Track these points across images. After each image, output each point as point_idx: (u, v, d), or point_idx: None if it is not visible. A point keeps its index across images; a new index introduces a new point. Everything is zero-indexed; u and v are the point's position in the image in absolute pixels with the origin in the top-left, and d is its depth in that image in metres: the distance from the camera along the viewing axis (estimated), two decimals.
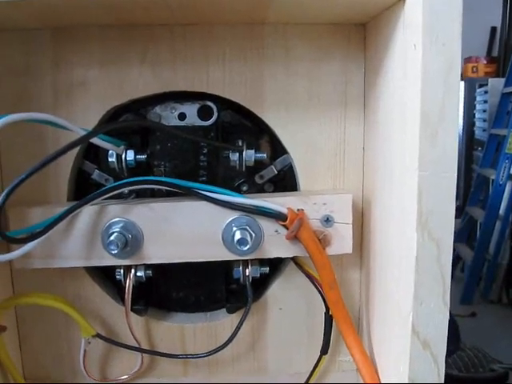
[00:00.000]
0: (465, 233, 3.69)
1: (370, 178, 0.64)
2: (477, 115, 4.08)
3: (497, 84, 3.66)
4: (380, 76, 0.58)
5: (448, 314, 0.50)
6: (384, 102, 0.57)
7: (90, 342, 0.64)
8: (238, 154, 0.64)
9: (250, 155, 0.63)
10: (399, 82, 0.52)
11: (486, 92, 3.87)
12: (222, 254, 0.61)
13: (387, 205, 0.57)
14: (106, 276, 0.69)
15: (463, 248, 3.56)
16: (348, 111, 0.64)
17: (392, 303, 0.56)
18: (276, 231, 0.60)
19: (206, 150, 0.67)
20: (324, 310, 0.64)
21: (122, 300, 0.65)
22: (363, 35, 0.63)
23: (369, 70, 0.63)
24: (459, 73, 0.46)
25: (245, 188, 0.67)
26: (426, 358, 0.50)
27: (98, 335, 0.64)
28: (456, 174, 0.47)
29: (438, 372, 0.51)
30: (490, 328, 2.87)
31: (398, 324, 0.53)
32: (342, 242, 0.61)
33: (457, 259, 3.59)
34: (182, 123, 0.66)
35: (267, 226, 0.60)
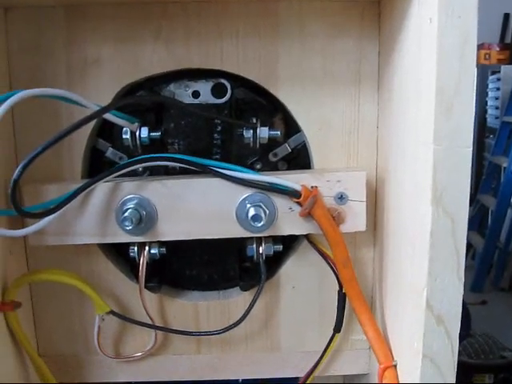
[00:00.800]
0: (476, 220, 3.68)
1: (384, 156, 0.63)
2: (489, 103, 4.06)
3: (510, 71, 3.64)
4: (394, 53, 0.58)
5: (462, 289, 0.50)
6: (399, 79, 0.57)
7: (103, 319, 0.65)
8: (251, 131, 0.63)
9: (263, 132, 0.63)
10: (414, 57, 0.52)
11: (498, 79, 3.85)
12: (236, 231, 0.61)
13: (401, 181, 0.57)
14: (119, 253, 0.69)
15: (474, 236, 3.56)
16: (362, 89, 0.64)
17: (406, 280, 0.56)
18: (290, 208, 0.60)
19: (219, 128, 0.67)
20: (337, 288, 0.64)
21: (135, 277, 0.66)
22: (378, 12, 0.62)
23: (383, 47, 0.62)
24: (475, 46, 0.46)
25: (258, 166, 0.67)
26: (440, 333, 0.50)
27: (112, 312, 0.65)
28: (471, 148, 0.47)
29: (452, 348, 0.50)
30: (500, 316, 2.87)
31: (412, 300, 0.53)
32: (355, 219, 0.61)
33: (468, 247, 3.58)
34: (196, 101, 0.66)
35: (281, 203, 0.60)
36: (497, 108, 3.87)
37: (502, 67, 3.85)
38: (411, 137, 0.53)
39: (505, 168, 3.29)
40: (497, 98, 3.86)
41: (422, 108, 0.49)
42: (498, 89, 3.85)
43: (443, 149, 0.47)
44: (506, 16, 4.54)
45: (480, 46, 4.31)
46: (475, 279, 3.26)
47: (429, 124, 0.47)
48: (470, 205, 3.68)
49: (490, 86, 4.03)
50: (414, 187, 0.52)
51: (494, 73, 3.98)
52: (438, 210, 0.48)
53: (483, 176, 3.75)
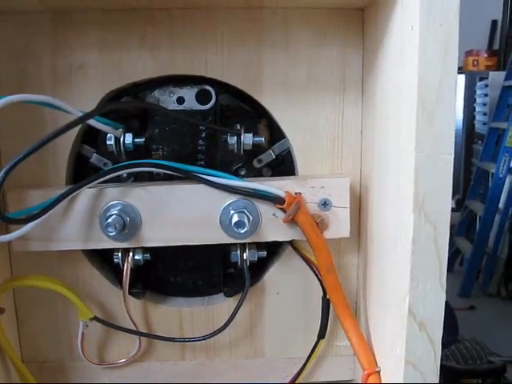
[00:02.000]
0: (464, 226, 3.69)
1: (368, 162, 0.64)
2: (477, 109, 4.08)
3: (497, 77, 3.66)
4: (378, 59, 0.58)
5: (444, 295, 0.50)
6: (382, 85, 0.57)
7: (87, 325, 0.65)
8: (235, 137, 0.64)
9: (248, 139, 0.63)
10: (396, 64, 0.52)
11: (486, 85, 3.87)
12: (220, 237, 0.61)
13: (384, 187, 0.58)
14: (103, 260, 0.69)
15: (462, 241, 3.57)
16: (346, 95, 0.64)
17: (389, 286, 0.56)
18: (274, 215, 0.60)
19: (204, 134, 0.67)
20: (321, 295, 0.64)
21: (120, 284, 0.65)
22: (362, 19, 0.63)
23: (367, 54, 0.63)
24: (456, 54, 0.46)
25: (243, 172, 0.68)
26: (423, 339, 0.50)
27: (96, 318, 0.65)
28: (453, 156, 0.47)
29: (435, 354, 0.51)
30: (488, 321, 2.88)
31: (395, 306, 0.53)
32: (339, 225, 0.62)
33: (456, 252, 3.60)
34: (181, 107, 0.66)
35: (265, 209, 0.60)
36: (485, 114, 3.89)
37: (490, 73, 3.88)
38: (394, 143, 0.53)
39: (493, 174, 3.30)
40: (485, 104, 3.89)
41: (404, 115, 0.50)
42: (485, 95, 3.88)
43: (425, 156, 0.47)
44: (494, 23, 4.58)
45: (468, 53, 4.35)
46: (463, 284, 3.27)
47: (411, 131, 0.47)
48: (458, 210, 3.71)
49: (478, 92, 4.05)
50: (397, 194, 0.52)
51: (481, 79, 4.01)
52: (419, 217, 0.48)
53: (471, 182, 3.76)
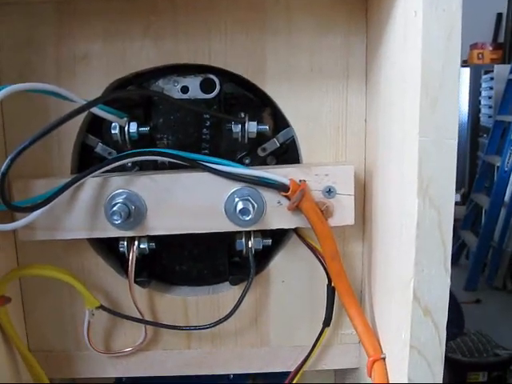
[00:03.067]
0: (470, 219, 3.69)
1: (372, 150, 0.64)
2: (482, 102, 4.07)
3: (502, 70, 3.65)
4: (381, 47, 0.58)
5: (449, 280, 0.50)
6: (385, 73, 0.57)
7: (93, 314, 0.65)
8: (240, 125, 0.64)
9: (252, 127, 0.63)
10: (400, 50, 0.52)
11: (491, 78, 3.86)
12: (225, 225, 0.61)
13: (388, 174, 0.58)
14: (109, 249, 0.69)
15: (468, 235, 3.57)
16: (350, 83, 0.64)
17: (394, 272, 0.56)
18: (278, 202, 0.61)
19: (208, 123, 0.67)
20: (327, 282, 0.64)
21: (125, 272, 0.66)
22: (365, 7, 0.63)
23: (370, 42, 0.63)
24: (459, 39, 0.46)
25: (247, 161, 0.68)
26: (427, 324, 0.50)
27: (102, 307, 0.65)
28: (457, 141, 0.47)
29: (439, 339, 0.51)
30: (494, 314, 2.88)
31: (400, 292, 0.53)
32: (343, 213, 0.62)
33: (462, 246, 3.60)
34: (185, 96, 0.66)
35: (269, 197, 0.60)
36: (490, 107, 3.88)
37: (495, 66, 3.87)
38: (398, 129, 0.53)
39: (498, 167, 3.30)
40: (490, 97, 3.88)
41: (407, 101, 0.50)
42: (491, 88, 3.87)
43: (429, 140, 0.47)
44: (499, 16, 4.56)
45: (473, 46, 4.34)
46: (469, 278, 3.27)
47: (414, 116, 0.47)
48: (464, 204, 3.70)
49: (484, 85, 4.04)
50: (401, 179, 0.52)
51: (487, 72, 3.99)
52: (424, 201, 0.48)
53: (477, 175, 3.76)
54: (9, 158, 0.48)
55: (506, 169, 3.20)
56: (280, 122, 0.67)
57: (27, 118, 0.63)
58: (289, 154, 0.68)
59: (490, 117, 3.87)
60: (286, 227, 0.63)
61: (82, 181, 0.59)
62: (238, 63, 0.63)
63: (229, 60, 0.63)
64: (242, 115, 0.65)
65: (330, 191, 0.61)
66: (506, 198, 3.23)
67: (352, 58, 0.64)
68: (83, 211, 0.60)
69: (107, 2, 0.62)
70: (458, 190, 4.10)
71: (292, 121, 0.65)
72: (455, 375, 2.03)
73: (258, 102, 0.67)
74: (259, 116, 0.67)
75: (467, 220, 3.68)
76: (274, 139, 0.67)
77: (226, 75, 0.65)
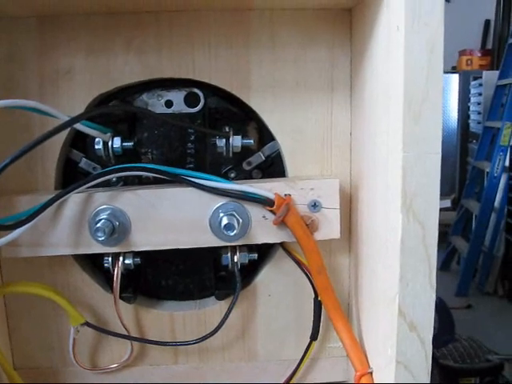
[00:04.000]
0: (460, 225, 3.70)
1: (357, 163, 0.64)
2: (471, 108, 4.09)
3: (491, 76, 3.66)
4: (365, 60, 0.58)
5: (434, 295, 0.50)
6: (369, 86, 0.57)
7: (79, 331, 0.64)
8: (224, 140, 0.64)
9: (236, 141, 0.63)
10: (383, 64, 0.52)
11: (480, 85, 3.88)
12: (210, 240, 0.61)
13: (373, 188, 0.58)
14: (94, 265, 0.69)
15: (459, 240, 3.58)
16: (335, 96, 0.64)
17: (379, 286, 0.56)
18: (263, 217, 0.60)
19: (193, 137, 0.67)
20: (313, 296, 0.64)
21: (110, 288, 0.65)
22: (349, 20, 0.63)
23: (355, 55, 0.63)
24: (442, 53, 0.46)
25: (232, 175, 0.67)
26: (413, 339, 0.50)
27: (87, 323, 0.64)
28: (440, 155, 0.47)
29: (426, 354, 0.51)
30: (485, 320, 2.88)
31: (385, 307, 0.53)
32: (329, 226, 0.61)
33: (452, 252, 3.61)
34: (169, 110, 0.66)
35: (255, 211, 0.60)
36: (479, 113, 3.90)
37: (484, 73, 3.89)
38: (382, 144, 0.53)
39: (488, 172, 3.31)
40: (479, 104, 3.90)
41: (391, 115, 0.50)
42: (480, 94, 3.89)
43: (412, 156, 0.47)
44: (487, 22, 4.59)
45: (462, 52, 4.36)
46: (460, 283, 3.28)
47: (398, 131, 0.47)
48: (454, 209, 3.72)
49: (472, 91, 4.06)
50: (385, 194, 0.52)
51: (475, 78, 4.02)
52: (408, 216, 0.48)
53: (467, 181, 3.77)
54: None
55: (496, 174, 3.21)
56: (265, 135, 0.67)
57: (10, 133, 0.63)
58: (274, 167, 0.68)
59: (479, 123, 3.89)
60: (271, 242, 0.62)
61: (65, 197, 0.58)
62: (222, 77, 0.63)
63: (213, 74, 0.63)
64: (227, 129, 0.65)
65: (315, 205, 0.60)
66: (496, 203, 3.25)
67: (336, 71, 0.64)
68: (67, 227, 0.60)
69: (90, 17, 0.62)
70: (448, 195, 4.11)
71: (277, 134, 0.65)
72: (447, 381, 2.03)
73: (243, 116, 0.66)
74: (244, 130, 0.67)
75: (457, 225, 3.70)
76: (260, 153, 0.67)
77: (210, 89, 0.65)
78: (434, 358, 1.97)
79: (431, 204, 0.48)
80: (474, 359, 2.09)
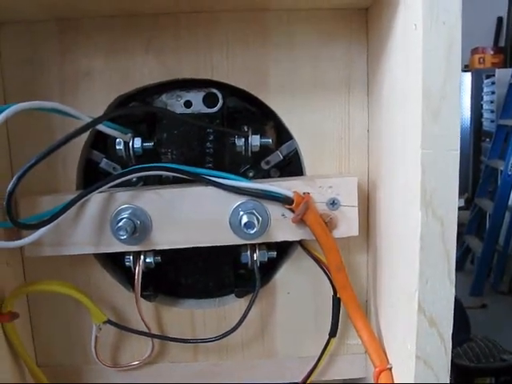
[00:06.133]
0: (474, 224, 3.68)
1: (375, 161, 0.64)
2: (484, 106, 4.07)
3: (504, 74, 3.64)
4: (383, 59, 0.58)
5: (454, 291, 0.50)
6: (387, 84, 0.58)
7: (100, 329, 0.65)
8: (243, 139, 0.64)
9: (255, 140, 0.64)
10: (401, 63, 0.52)
11: (493, 83, 3.86)
12: (230, 239, 0.61)
13: (392, 185, 0.58)
14: (115, 263, 0.69)
15: (473, 240, 3.56)
16: (352, 95, 0.65)
17: (398, 283, 0.56)
18: (283, 215, 0.61)
19: (212, 137, 0.67)
20: (332, 294, 0.65)
21: (131, 286, 0.66)
22: (365, 19, 0.63)
23: (372, 54, 0.63)
24: (460, 51, 0.46)
25: (251, 174, 0.68)
26: (433, 335, 0.50)
27: (109, 321, 0.65)
28: (459, 151, 0.48)
29: (445, 349, 0.51)
30: (500, 319, 2.87)
31: (405, 303, 0.53)
32: (348, 224, 0.62)
33: (466, 251, 3.59)
34: (188, 111, 0.66)
35: (274, 209, 0.61)
36: (492, 111, 3.88)
37: (497, 71, 3.87)
38: (400, 141, 0.54)
39: (501, 171, 3.30)
40: (492, 102, 3.88)
41: (409, 113, 0.50)
42: (492, 92, 3.87)
43: (431, 153, 0.47)
44: (500, 20, 4.57)
45: (474, 50, 4.34)
46: (474, 283, 3.26)
47: (416, 128, 0.48)
48: (468, 208, 3.70)
49: (485, 89, 4.04)
50: (404, 191, 0.53)
51: (488, 76, 4.00)
52: (427, 213, 0.48)
53: (480, 180, 3.75)
54: (15, 176, 0.49)
55: (510, 173, 3.20)
56: (283, 134, 0.68)
57: (32, 135, 0.64)
58: (292, 166, 0.68)
59: (492, 121, 3.87)
60: (290, 239, 0.63)
61: (87, 197, 0.59)
62: (240, 77, 0.64)
63: (231, 74, 0.64)
64: (245, 129, 0.66)
65: (333, 203, 0.61)
66: (510, 201, 3.23)
67: (353, 69, 0.65)
68: (89, 227, 0.61)
69: (109, 19, 0.63)
70: (461, 194, 4.10)
71: (295, 133, 0.65)
72: (462, 381, 2.03)
73: (261, 116, 0.67)
74: (262, 129, 0.67)
75: (471, 225, 3.68)
76: (278, 152, 0.68)
77: (228, 89, 0.66)
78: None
79: (450, 200, 0.48)
80: (489, 359, 2.08)
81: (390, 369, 0.59)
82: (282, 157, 0.68)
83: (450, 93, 0.47)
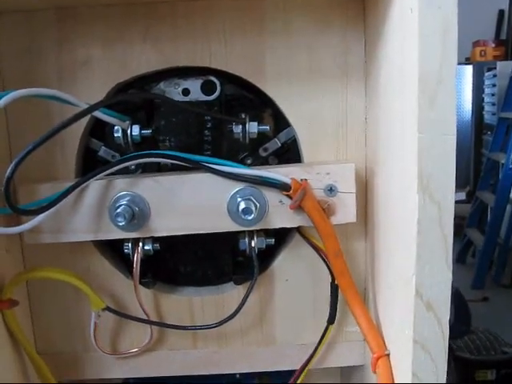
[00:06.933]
0: (475, 217, 3.68)
1: (373, 147, 0.64)
2: (486, 99, 4.07)
3: (505, 67, 3.64)
4: (380, 44, 0.58)
5: (451, 275, 0.50)
6: (384, 70, 0.58)
7: (99, 315, 0.66)
8: (241, 126, 0.64)
9: (252, 127, 0.64)
10: (397, 48, 0.52)
11: (494, 75, 3.86)
12: (228, 225, 0.62)
13: (389, 171, 0.58)
14: (114, 251, 0.70)
15: (474, 233, 3.56)
16: (349, 82, 0.65)
17: (396, 268, 0.56)
18: (280, 201, 0.61)
19: (210, 124, 0.67)
20: (330, 280, 0.65)
21: (130, 274, 0.66)
22: (362, 5, 0.63)
23: (369, 40, 0.63)
24: (456, 36, 0.46)
25: (249, 161, 0.68)
26: (430, 319, 0.51)
27: (108, 308, 0.65)
28: (455, 136, 0.48)
29: (443, 334, 0.51)
30: (502, 312, 2.87)
31: (402, 287, 0.54)
32: (345, 210, 0.62)
33: (468, 244, 3.59)
34: (186, 98, 0.67)
35: (271, 196, 0.61)
36: (493, 104, 3.88)
37: (498, 63, 3.86)
38: (397, 127, 0.54)
39: (503, 164, 3.30)
40: (493, 95, 3.87)
41: (406, 98, 0.50)
42: (494, 85, 3.86)
43: (428, 137, 0.47)
44: (501, 12, 4.56)
45: (475, 43, 4.33)
46: (476, 276, 3.27)
47: (413, 113, 0.48)
48: (469, 201, 3.70)
49: (487, 82, 4.04)
50: (402, 176, 0.53)
51: (489, 69, 3.99)
52: (424, 197, 0.48)
53: (482, 173, 3.75)
54: (13, 162, 0.49)
55: (511, 166, 3.19)
56: (281, 121, 0.68)
57: (31, 122, 0.64)
58: (290, 153, 0.69)
59: (493, 114, 3.87)
60: (288, 226, 0.63)
61: (86, 183, 0.59)
62: (237, 65, 0.64)
63: (229, 62, 0.64)
64: (243, 116, 0.66)
65: (331, 189, 0.61)
66: None
67: (350, 56, 0.65)
68: (88, 214, 0.61)
69: (107, 7, 0.63)
70: (463, 187, 4.10)
71: (292, 120, 0.66)
72: (463, 373, 2.03)
73: (259, 103, 0.67)
74: (260, 116, 0.68)
75: (473, 218, 3.68)
76: (275, 139, 0.68)
77: (226, 77, 0.66)
78: (451, 350, 1.97)
79: (447, 185, 0.48)
80: (491, 351, 2.08)
81: (388, 355, 0.59)
82: (279, 144, 0.68)
83: (446, 77, 0.47)
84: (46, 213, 0.56)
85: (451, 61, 0.47)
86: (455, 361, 2.00)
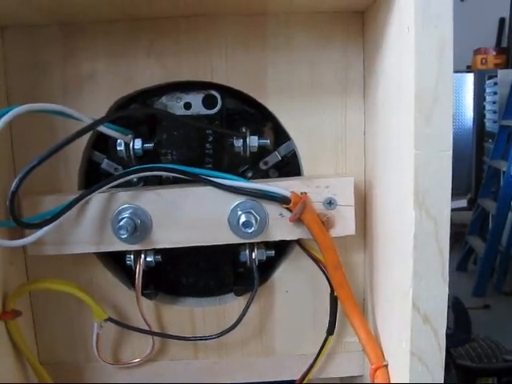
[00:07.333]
0: (477, 225, 3.67)
1: (371, 161, 0.65)
2: (487, 107, 4.07)
3: (506, 75, 3.65)
4: (378, 61, 0.59)
5: (447, 288, 0.51)
6: (382, 86, 0.59)
7: (102, 326, 0.66)
8: (241, 140, 0.65)
9: (253, 141, 0.65)
10: (395, 65, 0.53)
11: (495, 83, 3.86)
12: (229, 238, 0.63)
13: (387, 186, 0.59)
14: (117, 262, 0.70)
15: (475, 240, 3.55)
16: (349, 97, 0.66)
17: (394, 281, 0.57)
18: (280, 214, 0.62)
19: (211, 138, 0.68)
20: (329, 292, 0.66)
21: (132, 285, 0.67)
22: (362, 22, 0.64)
23: (368, 56, 0.64)
24: (451, 54, 0.47)
25: (250, 174, 0.69)
26: (427, 332, 0.51)
27: (110, 319, 0.66)
28: (451, 152, 0.49)
29: (439, 346, 0.52)
30: (503, 319, 2.86)
31: (399, 301, 0.54)
32: (345, 223, 0.63)
33: (469, 251, 3.59)
34: (188, 112, 0.67)
35: (272, 209, 0.62)
36: (495, 112, 3.88)
37: (499, 71, 3.86)
38: (394, 142, 0.55)
39: (504, 172, 3.30)
40: (494, 103, 3.87)
41: (403, 115, 0.51)
42: (495, 93, 3.86)
43: (424, 153, 0.48)
44: (502, 20, 4.57)
45: (476, 51, 4.34)
46: (477, 284, 3.26)
47: (409, 129, 0.49)
48: (470, 209, 3.70)
49: (488, 90, 4.04)
50: (399, 191, 0.54)
51: (490, 77, 3.99)
52: (420, 212, 0.49)
53: (483, 180, 3.75)
54: (18, 177, 0.50)
55: None
56: (281, 135, 0.69)
57: (35, 136, 0.65)
58: (290, 166, 0.69)
59: (494, 122, 3.87)
60: (288, 239, 0.64)
61: (89, 196, 0.60)
62: (239, 79, 0.65)
63: (230, 76, 0.65)
64: (244, 130, 0.67)
65: (330, 203, 0.62)
66: None
67: (350, 72, 0.66)
68: (90, 226, 0.62)
69: (111, 23, 0.64)
70: (464, 195, 4.10)
71: (293, 134, 0.67)
72: (465, 381, 2.03)
73: (259, 117, 0.68)
74: (260, 130, 0.69)
75: (474, 225, 3.67)
76: (276, 152, 0.69)
77: (227, 91, 0.67)
78: (452, 358, 1.97)
79: (443, 200, 0.49)
80: (492, 359, 2.08)
81: (386, 366, 0.60)
82: (280, 157, 0.69)
83: (442, 94, 0.48)
84: (50, 225, 0.57)
85: (447, 77, 0.48)
86: (456, 369, 2.00)
